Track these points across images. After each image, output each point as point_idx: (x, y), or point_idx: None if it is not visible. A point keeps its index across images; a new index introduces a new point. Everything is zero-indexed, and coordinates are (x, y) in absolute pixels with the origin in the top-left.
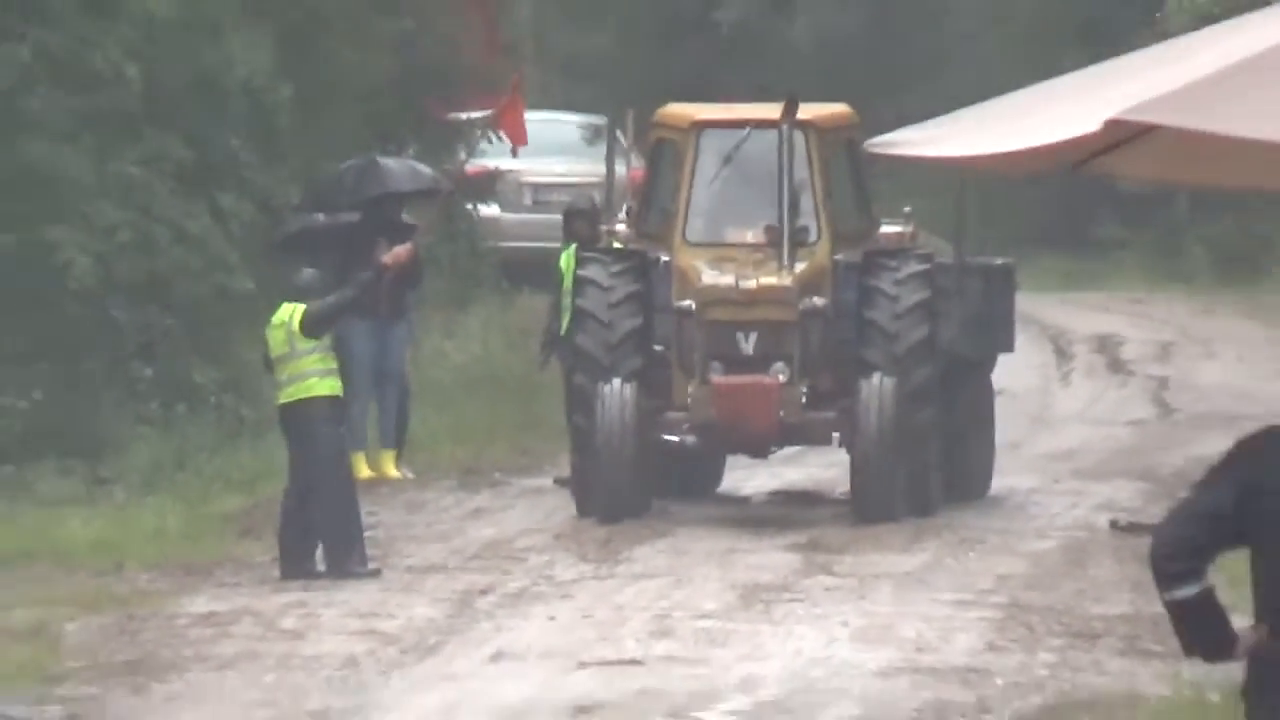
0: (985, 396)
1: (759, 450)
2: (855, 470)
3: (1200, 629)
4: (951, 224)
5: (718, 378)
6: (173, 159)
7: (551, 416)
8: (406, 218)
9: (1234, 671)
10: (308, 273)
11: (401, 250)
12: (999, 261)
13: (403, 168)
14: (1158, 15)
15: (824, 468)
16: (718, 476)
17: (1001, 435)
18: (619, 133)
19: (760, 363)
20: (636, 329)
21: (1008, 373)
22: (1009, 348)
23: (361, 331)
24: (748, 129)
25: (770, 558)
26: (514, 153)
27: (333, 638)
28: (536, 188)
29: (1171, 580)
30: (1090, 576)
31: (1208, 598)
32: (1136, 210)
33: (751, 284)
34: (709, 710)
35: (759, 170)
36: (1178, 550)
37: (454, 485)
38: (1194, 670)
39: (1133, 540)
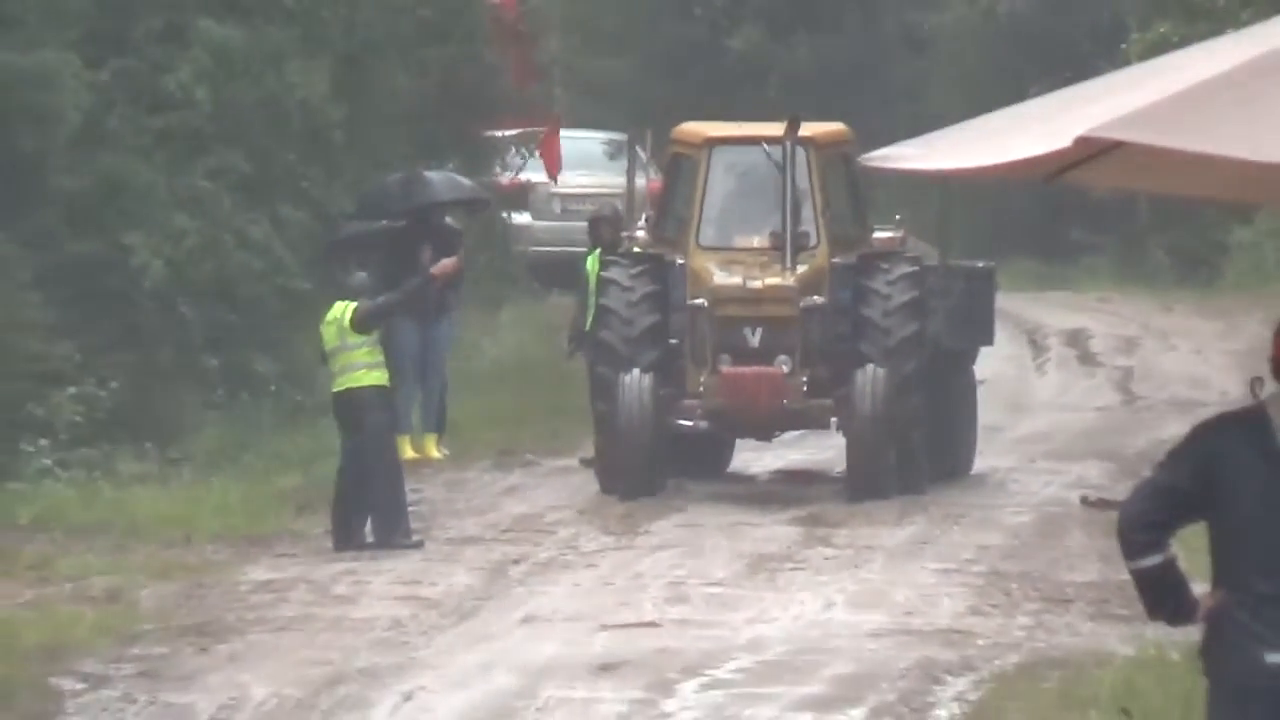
0: (968, 385)
1: (764, 434)
2: (850, 452)
3: (1163, 595)
4: (937, 230)
5: (727, 368)
6: (237, 172)
7: (577, 403)
8: (452, 222)
9: (1193, 634)
10: (359, 275)
11: (449, 263)
12: (980, 264)
13: (444, 179)
14: (1123, 46)
15: (822, 450)
16: (727, 458)
17: (983, 420)
18: (639, 148)
19: (766, 355)
20: (654, 325)
21: (988, 364)
22: (989, 341)
23: (408, 328)
24: (765, 146)
25: (774, 531)
26: (553, 179)
27: (380, 602)
28: (565, 198)
29: (1136, 550)
30: (1063, 547)
31: (1170, 566)
32: (1104, 218)
33: (758, 284)
34: (720, 668)
35: (764, 182)
36: (1142, 523)
37: (490, 465)
38: (1157, 632)
39: (1101, 515)
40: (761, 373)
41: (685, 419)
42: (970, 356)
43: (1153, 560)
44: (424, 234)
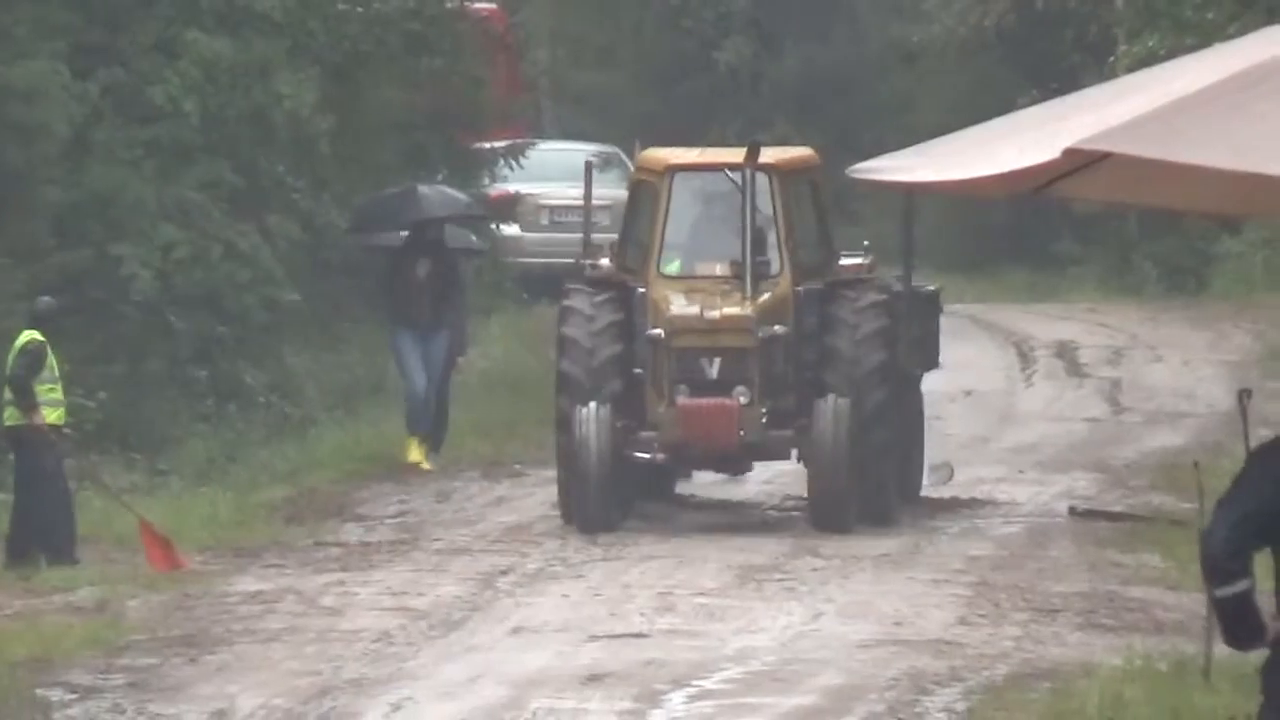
0: (917, 409)
1: (728, 467)
2: (812, 483)
3: (1246, 618)
4: (900, 252)
5: (683, 399)
6: (226, 184)
7: None
8: (475, 240)
9: (1179, 645)
10: (44, 300)
11: (41, 423)
12: (929, 288)
13: (438, 194)
14: (1111, 59)
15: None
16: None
17: (971, 431)
18: (628, 161)
19: (724, 386)
20: (616, 355)
21: (977, 375)
22: (936, 365)
23: (407, 338)
24: (728, 172)
25: (762, 541)
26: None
27: (368, 613)
28: (553, 209)
29: (1229, 577)
30: (1051, 558)
31: (1253, 590)
32: (1091, 229)
33: (715, 314)
34: (708, 678)
35: (726, 209)
36: (1232, 550)
37: (478, 476)
38: (1145, 643)
39: (1089, 525)
40: (718, 404)
41: (643, 452)
42: (918, 380)
43: (1244, 585)
44: (421, 249)
